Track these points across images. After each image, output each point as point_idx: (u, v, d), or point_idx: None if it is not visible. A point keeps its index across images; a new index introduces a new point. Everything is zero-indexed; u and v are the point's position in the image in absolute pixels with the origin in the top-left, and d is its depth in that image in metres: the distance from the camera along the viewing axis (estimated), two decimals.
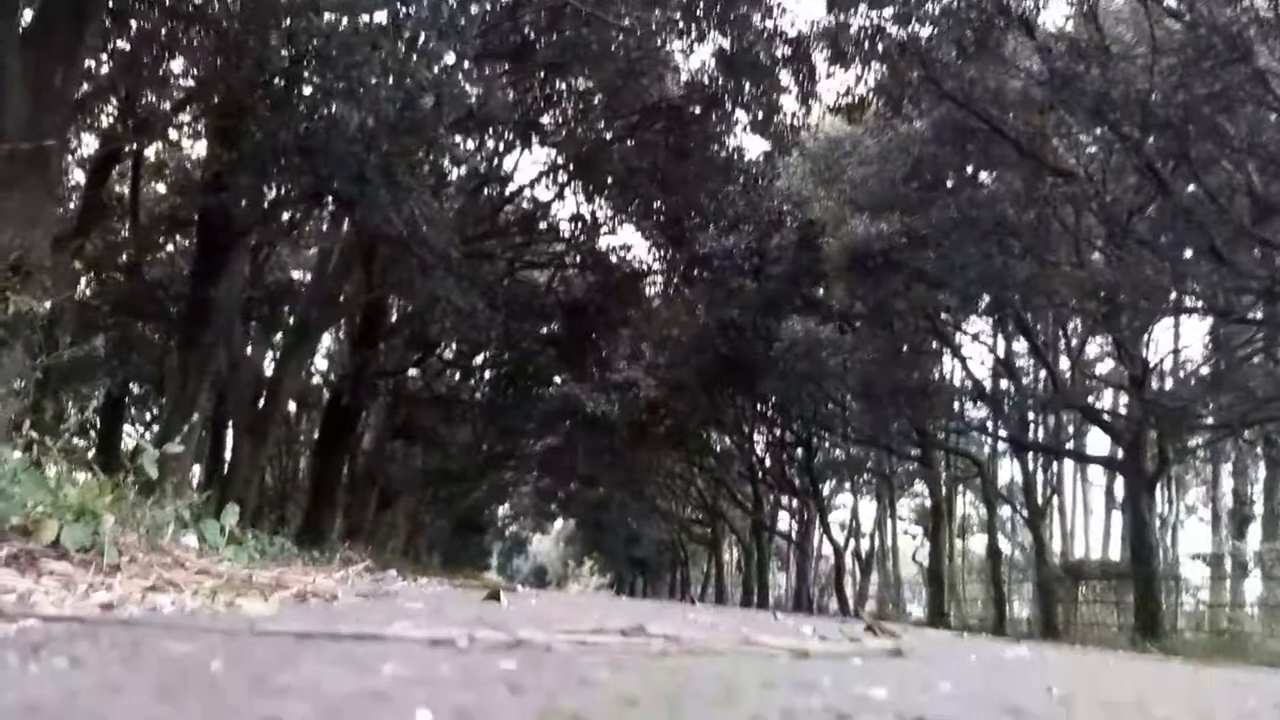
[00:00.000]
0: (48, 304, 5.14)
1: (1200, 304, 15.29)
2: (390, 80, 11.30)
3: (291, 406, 28.57)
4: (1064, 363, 20.56)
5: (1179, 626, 18.50)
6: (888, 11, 13.78)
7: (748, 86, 16.30)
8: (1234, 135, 12.64)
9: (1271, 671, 4.05)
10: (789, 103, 16.84)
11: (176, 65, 17.26)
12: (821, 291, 21.72)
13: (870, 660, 1.67)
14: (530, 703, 0.84)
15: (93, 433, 23.44)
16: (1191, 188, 14.88)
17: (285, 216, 12.30)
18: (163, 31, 13.21)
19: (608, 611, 2.87)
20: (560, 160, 20.89)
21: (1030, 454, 22.73)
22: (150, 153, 23.06)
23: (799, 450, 30.45)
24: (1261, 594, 18.92)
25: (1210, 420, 15.28)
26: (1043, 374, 21.69)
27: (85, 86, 14.50)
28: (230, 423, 19.41)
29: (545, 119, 19.53)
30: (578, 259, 22.88)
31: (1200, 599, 20.19)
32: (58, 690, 0.73)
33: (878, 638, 1.96)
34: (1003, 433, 20.96)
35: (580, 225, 22.53)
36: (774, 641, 1.53)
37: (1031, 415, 23.48)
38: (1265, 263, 13.51)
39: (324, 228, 13.24)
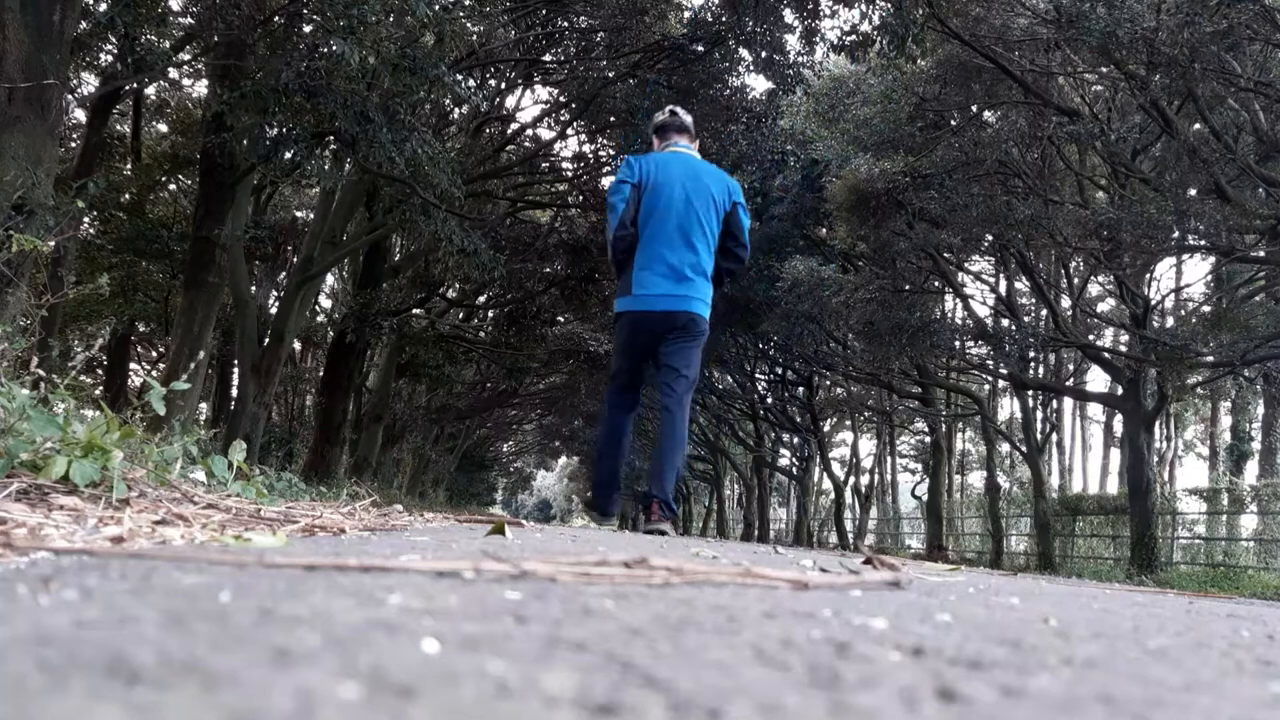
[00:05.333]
0: (51, 243, 5.13)
1: (1203, 243, 15.20)
2: (391, 18, 11.17)
3: (297, 345, 28.64)
4: (1065, 301, 20.53)
5: (1174, 560, 18.72)
6: None
7: (751, 24, 16.04)
8: (1240, 73, 12.49)
9: (1265, 604, 4.06)
10: (793, 41, 16.61)
11: (175, 3, 17.08)
12: (824, 231, 21.62)
13: (870, 592, 1.68)
14: (536, 632, 0.83)
15: (100, 371, 23.54)
16: (1197, 126, 14.73)
17: (288, 156, 12.18)
18: None
19: (611, 545, 2.91)
20: (562, 99, 20.66)
21: (1030, 391, 22.76)
22: (151, 92, 22.91)
23: (800, 388, 30.49)
24: (1257, 528, 19.08)
25: (1210, 358, 15.26)
26: (1044, 312, 21.65)
27: (84, 25, 14.35)
28: (236, 361, 19.45)
29: (547, 57, 19.29)
30: (580, 198, 22.71)
31: (1196, 533, 20.37)
32: (68, 620, 0.73)
33: (877, 570, 2.01)
34: (1003, 370, 20.96)
35: (582, 165, 22.35)
36: (775, 574, 1.56)
37: (1032, 353, 23.48)
38: (1270, 201, 13.42)
39: (326, 167, 13.11)
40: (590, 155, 22.11)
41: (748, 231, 5.78)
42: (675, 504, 5.73)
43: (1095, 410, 38.08)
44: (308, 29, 12.80)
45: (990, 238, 17.98)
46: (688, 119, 5.99)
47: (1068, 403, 34.47)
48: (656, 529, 5.26)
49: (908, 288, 18.82)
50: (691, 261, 5.41)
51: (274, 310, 20.57)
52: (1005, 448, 31.56)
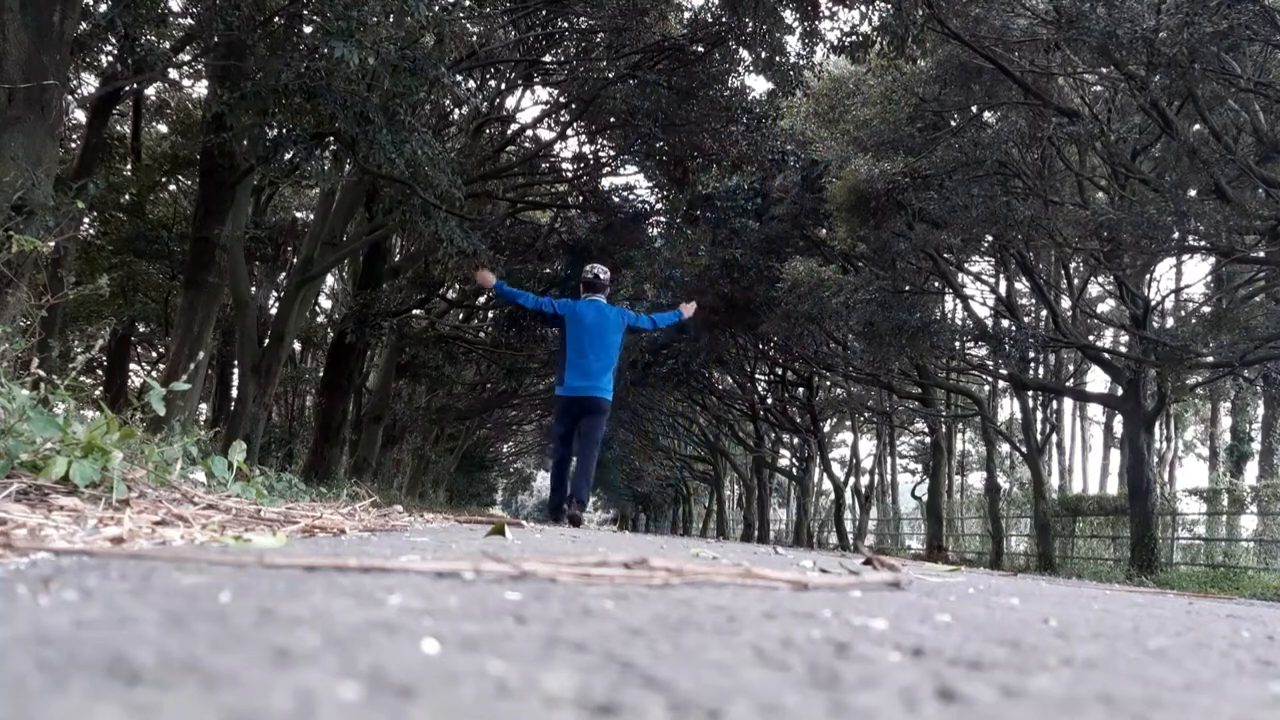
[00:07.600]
0: (51, 243, 5.13)
1: (1203, 243, 15.20)
2: (390, 19, 11.17)
3: (297, 345, 28.65)
4: (1065, 302, 20.52)
5: (1174, 560, 18.71)
6: None
7: (751, 25, 16.03)
8: (1240, 74, 12.49)
9: (1265, 604, 4.06)
10: (792, 42, 16.60)
11: (175, 3, 17.07)
12: (824, 232, 21.61)
13: (870, 592, 1.68)
14: (536, 632, 0.84)
15: (100, 371, 23.55)
16: (1196, 127, 14.73)
17: (287, 156, 12.18)
18: None
19: (611, 546, 2.90)
20: (562, 100, 20.65)
21: (1030, 392, 22.74)
22: (151, 92, 22.91)
23: (800, 389, 30.50)
24: (1257, 528, 19.08)
25: (1210, 359, 15.24)
26: (1044, 313, 21.66)
27: (84, 25, 14.35)
28: (236, 361, 19.45)
29: (547, 58, 19.27)
30: (580, 199, 22.71)
31: (1196, 533, 20.36)
32: (68, 620, 0.73)
33: (877, 571, 2.01)
34: (1003, 371, 20.96)
35: (582, 165, 22.34)
36: (775, 574, 1.56)
37: (1032, 354, 23.48)
38: (1270, 202, 13.42)
39: (326, 168, 13.11)
40: (590, 156, 22.10)
41: (647, 324, 9.64)
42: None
43: (1095, 411, 38.12)
44: (308, 30, 12.79)
45: (990, 238, 17.98)
46: (607, 281, 9.61)
47: (1068, 403, 34.49)
48: (575, 514, 8.66)
49: (908, 288, 18.81)
50: (597, 367, 9.07)
51: (274, 311, 20.57)
52: (1005, 448, 31.57)
